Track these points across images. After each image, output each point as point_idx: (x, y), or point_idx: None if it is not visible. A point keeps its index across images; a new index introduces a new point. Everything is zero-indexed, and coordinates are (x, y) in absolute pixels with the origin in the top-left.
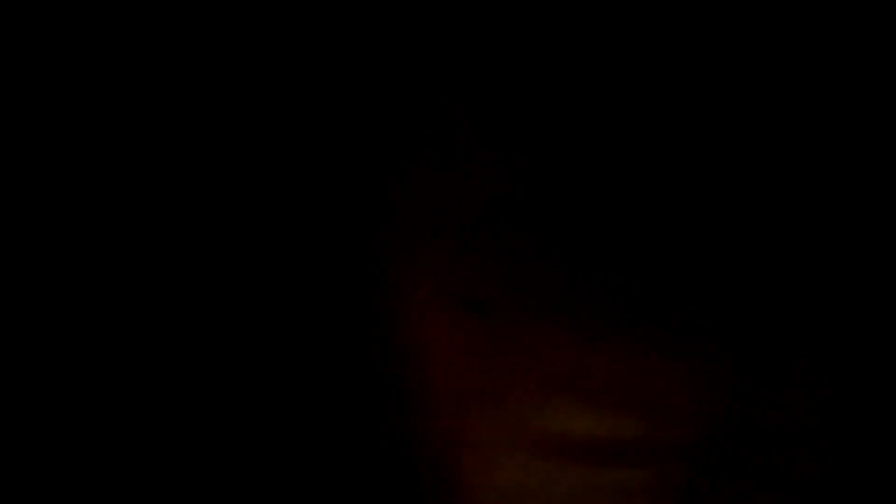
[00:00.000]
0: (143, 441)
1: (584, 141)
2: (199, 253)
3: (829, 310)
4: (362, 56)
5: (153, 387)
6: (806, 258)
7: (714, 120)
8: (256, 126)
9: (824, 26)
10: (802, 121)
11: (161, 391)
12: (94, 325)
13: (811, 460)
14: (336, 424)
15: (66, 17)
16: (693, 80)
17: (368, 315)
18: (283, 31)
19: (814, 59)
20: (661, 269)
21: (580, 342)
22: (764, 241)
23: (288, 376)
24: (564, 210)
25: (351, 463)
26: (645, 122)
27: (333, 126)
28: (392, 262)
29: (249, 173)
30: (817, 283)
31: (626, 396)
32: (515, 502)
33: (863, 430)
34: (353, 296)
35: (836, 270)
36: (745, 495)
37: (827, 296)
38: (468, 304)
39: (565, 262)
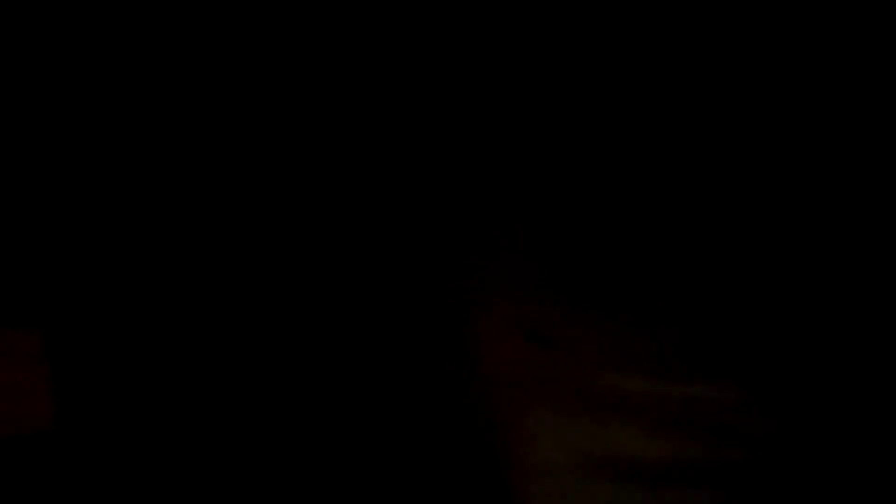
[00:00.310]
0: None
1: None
2: (295, 287)
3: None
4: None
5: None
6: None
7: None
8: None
9: (824, 26)
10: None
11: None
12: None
13: (864, 479)
14: (410, 446)
15: (66, 17)
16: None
17: (445, 344)
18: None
19: (813, 60)
20: (712, 302)
21: (638, 369)
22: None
23: (370, 397)
24: (624, 249)
25: (423, 484)
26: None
27: (418, 175)
28: (468, 298)
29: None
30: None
31: (686, 420)
32: None
33: None
34: (432, 326)
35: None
36: None
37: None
38: (534, 335)
39: (624, 296)
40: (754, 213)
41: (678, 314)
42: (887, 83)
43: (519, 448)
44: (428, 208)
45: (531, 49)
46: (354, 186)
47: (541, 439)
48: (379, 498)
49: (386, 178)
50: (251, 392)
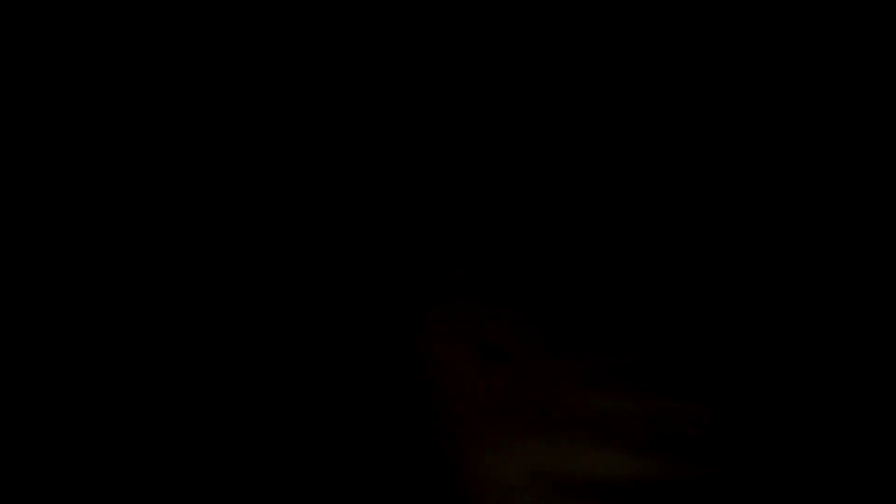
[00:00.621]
0: (149, 441)
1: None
2: (245, 297)
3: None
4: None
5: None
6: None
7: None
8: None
9: (824, 26)
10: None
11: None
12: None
13: (830, 496)
14: (361, 463)
15: (66, 17)
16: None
17: (396, 359)
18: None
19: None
20: (676, 314)
21: (598, 385)
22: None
23: (319, 415)
24: (586, 262)
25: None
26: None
27: (369, 182)
28: (419, 312)
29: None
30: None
31: (650, 436)
32: None
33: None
34: (383, 341)
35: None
36: None
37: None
38: (488, 350)
39: (581, 309)
40: (720, 228)
41: (643, 329)
42: (887, 83)
43: (474, 466)
44: (378, 219)
45: (488, 64)
46: (306, 199)
47: (496, 457)
48: None
49: (338, 190)
50: (197, 412)
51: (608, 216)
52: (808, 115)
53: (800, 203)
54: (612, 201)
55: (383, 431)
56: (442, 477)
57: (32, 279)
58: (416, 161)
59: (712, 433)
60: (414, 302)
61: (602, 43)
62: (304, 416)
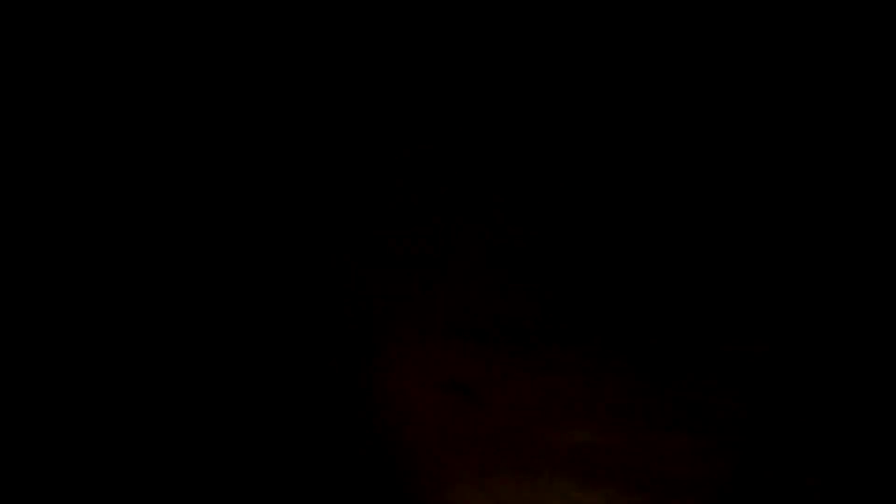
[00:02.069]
0: (142, 441)
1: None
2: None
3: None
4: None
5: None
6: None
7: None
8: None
9: (824, 27)
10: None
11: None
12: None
13: None
14: (324, 496)
15: (66, 18)
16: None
17: (358, 395)
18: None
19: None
20: (653, 348)
21: (575, 421)
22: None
23: (280, 452)
24: (556, 292)
25: None
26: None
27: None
28: (383, 346)
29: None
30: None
31: (621, 470)
32: None
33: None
34: (347, 375)
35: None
36: None
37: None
38: (454, 386)
39: (556, 344)
40: (691, 256)
41: (617, 362)
42: (887, 83)
43: (437, 499)
44: (333, 249)
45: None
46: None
47: (466, 494)
48: None
49: (289, 221)
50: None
51: (575, 242)
52: (808, 115)
53: (797, 207)
54: (580, 225)
55: (347, 468)
56: None
57: (32, 279)
58: (376, 200)
59: (690, 467)
60: (374, 338)
61: (599, 43)
62: (265, 450)
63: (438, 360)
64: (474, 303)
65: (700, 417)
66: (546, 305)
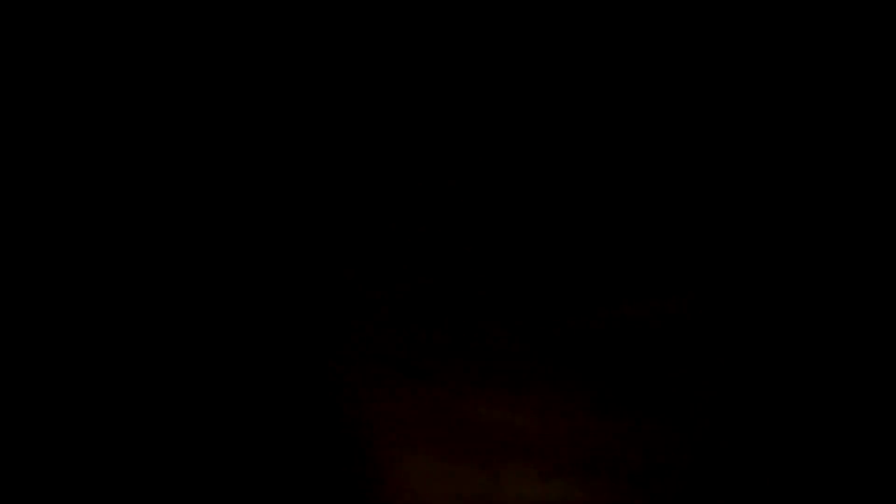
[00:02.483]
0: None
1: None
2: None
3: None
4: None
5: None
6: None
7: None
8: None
9: (824, 27)
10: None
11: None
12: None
13: None
14: (281, 483)
15: (66, 18)
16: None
17: (316, 380)
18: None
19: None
20: (620, 328)
21: (526, 407)
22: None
23: (236, 439)
24: (506, 281)
25: None
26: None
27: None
28: (338, 332)
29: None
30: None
31: (576, 459)
32: None
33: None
34: (303, 363)
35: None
36: None
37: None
38: (409, 370)
39: (506, 329)
40: (660, 242)
41: (576, 351)
42: (887, 83)
43: (402, 492)
44: (296, 241)
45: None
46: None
47: (424, 483)
48: None
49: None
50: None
51: (530, 214)
52: (807, 116)
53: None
54: (539, 198)
55: (302, 454)
56: (361, 501)
57: (32, 279)
58: (341, 182)
59: (646, 455)
60: (328, 321)
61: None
62: (219, 436)
63: (395, 343)
64: (437, 284)
65: (651, 406)
66: (508, 297)
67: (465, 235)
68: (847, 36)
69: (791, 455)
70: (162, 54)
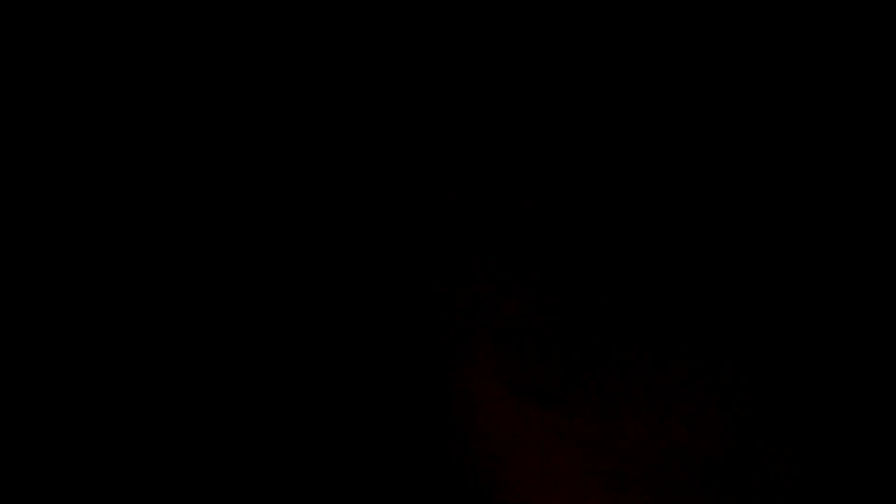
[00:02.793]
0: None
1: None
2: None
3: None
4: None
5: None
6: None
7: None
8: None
9: (824, 27)
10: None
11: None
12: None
13: None
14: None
15: (66, 18)
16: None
17: (439, 401)
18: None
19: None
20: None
21: (639, 428)
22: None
23: (353, 459)
24: (621, 311)
25: None
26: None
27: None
28: (461, 354)
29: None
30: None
31: (693, 480)
32: None
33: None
34: (426, 383)
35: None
36: None
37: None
38: (529, 392)
39: (623, 355)
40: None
41: (671, 369)
42: (887, 83)
43: None
44: (410, 260)
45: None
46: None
47: (535, 498)
48: None
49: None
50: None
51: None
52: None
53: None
54: (629, 226)
55: (423, 474)
56: None
57: (32, 279)
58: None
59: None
60: (452, 344)
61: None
62: (338, 459)
63: (517, 369)
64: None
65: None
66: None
67: (588, 256)
68: (847, 36)
69: (792, 454)
70: (175, 56)
